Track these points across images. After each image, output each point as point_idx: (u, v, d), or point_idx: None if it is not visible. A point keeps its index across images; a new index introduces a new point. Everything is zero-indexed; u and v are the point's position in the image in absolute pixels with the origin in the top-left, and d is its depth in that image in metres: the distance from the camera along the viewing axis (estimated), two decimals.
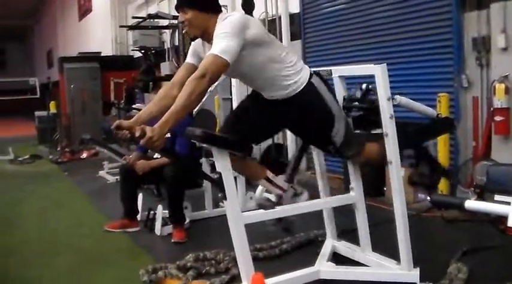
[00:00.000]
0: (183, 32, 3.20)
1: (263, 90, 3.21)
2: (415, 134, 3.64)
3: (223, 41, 2.79)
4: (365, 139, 3.43)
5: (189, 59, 3.20)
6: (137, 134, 2.61)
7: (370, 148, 3.43)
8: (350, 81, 3.57)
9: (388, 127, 3.14)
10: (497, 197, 1.91)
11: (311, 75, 3.17)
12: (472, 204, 1.94)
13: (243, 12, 5.41)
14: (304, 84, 3.11)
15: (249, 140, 3.18)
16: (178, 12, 3.14)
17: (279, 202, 3.37)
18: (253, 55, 2.98)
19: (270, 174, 3.41)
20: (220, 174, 2.87)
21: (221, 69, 2.80)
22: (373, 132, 3.40)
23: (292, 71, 3.09)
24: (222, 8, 3.16)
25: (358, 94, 3.40)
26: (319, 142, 3.40)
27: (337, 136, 3.18)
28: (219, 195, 3.06)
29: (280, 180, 3.43)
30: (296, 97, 3.12)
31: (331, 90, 3.28)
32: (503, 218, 1.74)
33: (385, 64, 3.15)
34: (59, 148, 11.48)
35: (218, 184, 2.90)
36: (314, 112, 3.15)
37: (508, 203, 1.73)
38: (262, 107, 3.26)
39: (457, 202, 2.05)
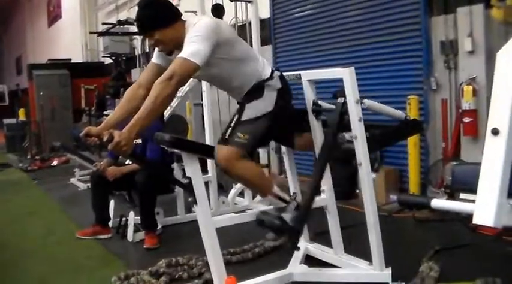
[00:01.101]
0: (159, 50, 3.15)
1: (237, 91, 3.22)
2: (384, 136, 3.67)
3: (193, 44, 2.80)
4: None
5: (155, 59, 3.19)
6: (105, 139, 2.60)
7: (250, 164, 3.21)
8: (321, 85, 3.60)
9: (357, 130, 3.16)
10: (462, 195, 1.94)
11: (272, 71, 3.20)
12: (439, 202, 1.96)
13: (212, 16, 5.42)
14: (261, 79, 3.15)
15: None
16: (145, 37, 3.13)
17: (281, 216, 3.10)
18: (227, 56, 3.00)
19: (276, 188, 3.33)
20: (190, 178, 2.86)
21: (190, 71, 2.80)
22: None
23: (261, 68, 3.15)
24: (192, 13, 3.16)
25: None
26: (238, 107, 3.23)
27: (249, 112, 3.08)
28: (189, 200, 3.04)
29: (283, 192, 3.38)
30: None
31: (284, 86, 3.24)
32: (472, 217, 1.77)
33: (353, 67, 3.17)
34: (28, 156, 11.33)
35: (188, 188, 2.89)
36: (252, 90, 3.16)
37: (473, 201, 1.76)
38: None
39: (424, 201, 2.07)
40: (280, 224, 3.00)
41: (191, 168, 2.86)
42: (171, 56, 3.03)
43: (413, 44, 5.58)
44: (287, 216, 3.04)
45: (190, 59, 2.76)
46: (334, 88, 3.34)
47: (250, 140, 3.01)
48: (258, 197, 5.54)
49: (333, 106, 3.30)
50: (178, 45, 2.92)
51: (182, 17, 3.09)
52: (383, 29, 5.92)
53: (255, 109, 3.08)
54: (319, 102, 3.44)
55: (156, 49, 3.19)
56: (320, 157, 3.28)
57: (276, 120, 3.15)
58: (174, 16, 3.05)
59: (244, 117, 3.06)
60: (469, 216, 1.82)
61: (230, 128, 3.03)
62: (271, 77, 3.17)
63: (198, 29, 2.86)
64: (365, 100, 3.32)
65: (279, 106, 3.16)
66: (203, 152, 3.02)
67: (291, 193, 3.52)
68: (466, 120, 4.92)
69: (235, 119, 3.06)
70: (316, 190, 3.29)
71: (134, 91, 3.08)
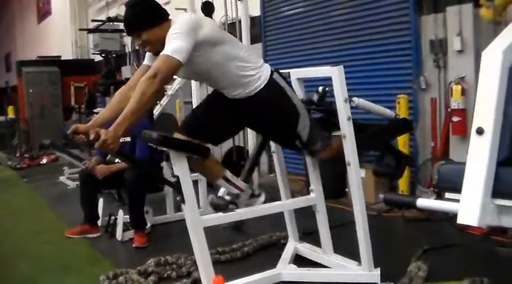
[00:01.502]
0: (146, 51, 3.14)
1: (225, 89, 3.19)
2: (373, 135, 3.67)
3: (174, 41, 2.78)
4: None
5: (146, 61, 3.17)
6: (91, 137, 2.59)
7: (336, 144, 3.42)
8: (312, 84, 3.59)
9: (346, 128, 3.16)
10: (447, 195, 1.95)
11: (272, 72, 3.18)
12: (424, 202, 1.97)
13: (203, 15, 5.41)
14: (266, 81, 3.11)
15: (209, 140, 3.18)
16: (132, 37, 3.12)
17: (234, 201, 3.33)
18: (209, 54, 2.97)
19: (228, 174, 3.38)
20: (178, 177, 2.85)
21: (173, 68, 2.78)
22: (333, 134, 3.42)
23: (252, 69, 3.09)
24: (182, 11, 3.15)
25: (315, 97, 3.42)
26: (286, 138, 3.33)
27: (303, 131, 3.17)
28: (177, 199, 3.03)
29: (239, 180, 3.41)
30: (259, 94, 3.11)
31: (292, 88, 3.30)
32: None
33: (342, 66, 3.17)
34: (18, 154, 11.27)
35: (176, 187, 2.88)
36: (279, 108, 3.15)
37: (458, 201, 1.77)
38: (223, 106, 3.24)
39: (409, 200, 2.07)
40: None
41: (179, 166, 2.85)
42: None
43: (403, 43, 5.59)
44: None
45: (173, 56, 2.74)
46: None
47: (321, 142, 3.35)
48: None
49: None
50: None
51: (169, 16, 3.07)
52: (373, 28, 5.93)
53: (305, 129, 3.20)
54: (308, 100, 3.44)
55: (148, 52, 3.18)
56: None
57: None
58: (161, 16, 3.03)
59: (305, 139, 3.23)
60: (456, 216, 1.83)
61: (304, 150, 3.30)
62: (271, 80, 3.13)
63: (179, 26, 2.85)
64: (354, 98, 3.33)
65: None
66: (191, 150, 3.00)
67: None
68: (455, 119, 4.94)
69: (300, 144, 3.24)
70: None
71: (124, 93, 3.07)
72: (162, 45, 2.89)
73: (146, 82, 2.71)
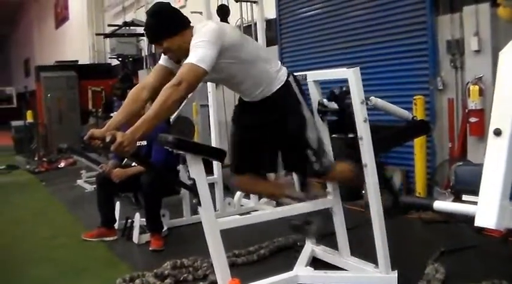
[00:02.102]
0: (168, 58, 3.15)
1: (247, 90, 3.22)
2: (390, 137, 3.65)
3: (199, 49, 2.78)
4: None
5: (162, 61, 3.16)
6: (107, 139, 2.59)
7: (343, 166, 3.41)
8: (329, 85, 3.57)
9: (363, 130, 3.14)
10: (464, 197, 1.93)
11: (288, 74, 3.21)
12: (441, 204, 1.95)
13: (219, 19, 5.41)
14: (283, 82, 3.15)
15: (269, 168, 3.37)
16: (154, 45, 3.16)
17: (308, 220, 3.46)
18: (235, 59, 3.00)
19: (289, 190, 3.42)
20: (194, 180, 2.85)
21: (198, 77, 2.78)
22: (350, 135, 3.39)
23: (273, 69, 3.15)
24: (198, 15, 3.16)
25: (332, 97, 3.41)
26: (296, 143, 3.27)
27: (312, 139, 3.18)
28: (193, 201, 3.03)
29: (298, 192, 3.44)
30: (275, 94, 3.15)
31: (303, 93, 3.29)
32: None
33: (358, 67, 3.16)
34: (36, 158, 11.36)
35: (192, 190, 2.88)
36: (289, 109, 3.16)
37: (476, 203, 1.75)
38: (250, 128, 3.32)
39: (426, 203, 2.06)
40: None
41: (195, 169, 2.85)
42: (179, 64, 3.02)
43: (419, 44, 5.56)
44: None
45: (198, 64, 2.74)
46: None
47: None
48: (264, 199, 5.54)
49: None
50: (187, 53, 2.88)
51: (190, 23, 3.08)
52: (389, 29, 5.90)
53: (313, 137, 3.21)
54: (325, 102, 3.43)
55: None
56: None
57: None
58: (182, 24, 3.03)
59: (315, 147, 3.21)
60: (473, 218, 1.81)
61: (315, 163, 3.21)
62: (287, 82, 3.17)
63: (204, 34, 2.85)
64: (372, 98, 3.31)
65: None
66: (207, 153, 3.00)
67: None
68: (473, 120, 4.89)
69: (311, 154, 3.20)
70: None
71: (138, 93, 3.06)
72: (183, 52, 2.90)
73: (170, 90, 2.70)
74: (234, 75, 3.10)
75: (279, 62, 3.31)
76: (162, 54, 3.16)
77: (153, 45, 3.19)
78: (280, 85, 3.15)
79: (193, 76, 2.75)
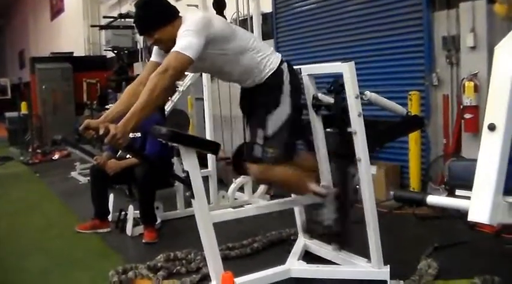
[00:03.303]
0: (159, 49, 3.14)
1: (238, 81, 3.25)
2: (385, 132, 3.65)
3: (185, 38, 2.80)
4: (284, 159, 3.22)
5: (154, 57, 3.18)
6: (101, 132, 2.59)
7: (285, 170, 3.22)
8: (324, 80, 3.57)
9: (357, 125, 3.14)
10: (458, 192, 1.92)
11: (281, 61, 3.19)
12: (434, 199, 1.94)
13: (214, 12, 5.40)
14: (274, 70, 3.13)
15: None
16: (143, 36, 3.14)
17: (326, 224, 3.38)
18: (221, 51, 2.99)
19: (313, 186, 3.35)
20: (187, 172, 2.84)
21: (184, 65, 2.79)
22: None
23: (263, 57, 3.12)
24: (194, 8, 3.14)
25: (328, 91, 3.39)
26: (254, 120, 3.19)
27: (271, 123, 3.08)
28: (187, 194, 3.03)
29: (319, 187, 3.39)
30: (266, 81, 3.14)
31: (295, 84, 3.22)
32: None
33: (353, 62, 3.15)
34: (30, 150, 11.32)
35: (186, 183, 2.87)
36: (268, 93, 3.13)
37: (468, 198, 1.75)
38: (244, 105, 3.35)
39: (419, 197, 2.05)
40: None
41: (188, 161, 2.84)
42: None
43: (415, 39, 5.55)
44: (328, 211, 3.31)
45: (183, 52, 2.76)
46: None
47: (281, 151, 3.08)
48: (258, 192, 5.55)
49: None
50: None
51: (179, 14, 3.07)
52: (385, 24, 5.89)
53: (276, 120, 3.09)
54: (320, 96, 3.42)
55: (155, 47, 3.17)
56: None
57: (295, 121, 3.20)
58: (171, 15, 3.03)
59: (269, 132, 3.07)
60: (467, 213, 1.81)
61: (259, 146, 3.07)
62: (279, 70, 3.14)
63: (190, 24, 2.86)
64: (366, 92, 3.30)
65: (295, 107, 3.19)
66: (201, 146, 3.00)
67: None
68: (467, 116, 4.90)
69: (261, 136, 3.07)
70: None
71: (134, 89, 3.07)
72: (174, 42, 2.90)
73: (157, 78, 2.72)
74: (221, 65, 3.09)
75: (272, 49, 3.28)
76: (154, 49, 3.16)
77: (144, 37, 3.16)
78: (270, 73, 3.12)
79: (179, 63, 2.76)
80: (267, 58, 3.13)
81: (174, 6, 3.09)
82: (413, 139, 5.21)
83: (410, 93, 5.20)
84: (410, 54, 5.63)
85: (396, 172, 5.66)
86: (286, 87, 3.15)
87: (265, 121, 3.09)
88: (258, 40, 3.22)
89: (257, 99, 3.18)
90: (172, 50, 2.80)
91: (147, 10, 3.02)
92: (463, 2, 4.99)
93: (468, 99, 4.87)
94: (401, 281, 3.21)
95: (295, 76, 3.25)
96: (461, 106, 4.99)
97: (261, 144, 3.08)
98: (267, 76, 3.12)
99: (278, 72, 3.13)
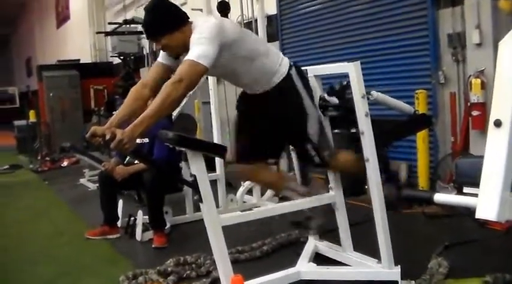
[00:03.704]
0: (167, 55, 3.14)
1: (247, 86, 3.23)
2: (392, 131, 3.64)
3: (199, 46, 2.76)
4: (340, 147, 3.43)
5: (161, 59, 3.12)
6: (107, 137, 2.58)
7: (345, 156, 3.42)
8: (332, 80, 3.56)
9: (364, 125, 3.13)
10: (465, 189, 1.91)
11: (290, 66, 3.18)
12: (441, 197, 1.94)
13: (219, 15, 5.40)
14: (284, 75, 3.13)
15: (267, 156, 3.33)
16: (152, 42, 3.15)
17: (310, 215, 3.49)
18: (235, 55, 2.97)
19: (291, 184, 3.41)
20: (195, 176, 2.84)
21: (198, 74, 2.76)
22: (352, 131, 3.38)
23: (273, 63, 3.12)
24: (199, 12, 3.14)
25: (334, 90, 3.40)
26: (297, 138, 3.30)
27: (313, 133, 3.15)
28: (195, 198, 3.03)
29: (299, 186, 3.45)
30: (275, 88, 3.13)
31: (307, 85, 3.25)
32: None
33: (359, 62, 3.14)
34: (39, 157, 11.37)
35: (194, 187, 2.87)
36: (289, 104, 3.14)
37: (476, 195, 1.73)
38: (252, 117, 3.32)
39: (426, 196, 2.04)
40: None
41: (196, 165, 2.83)
42: (179, 59, 3.00)
43: (421, 38, 5.54)
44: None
45: (198, 61, 2.72)
46: None
47: (331, 146, 3.30)
48: (267, 195, 5.54)
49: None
50: (186, 49, 2.85)
51: (189, 19, 3.04)
52: (390, 23, 5.89)
53: (313, 127, 3.17)
54: (326, 97, 3.41)
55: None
56: None
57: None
58: (180, 20, 3.00)
59: (315, 141, 3.18)
60: (474, 210, 1.79)
61: (316, 157, 3.20)
62: (288, 75, 3.14)
63: (204, 30, 2.82)
64: (373, 92, 3.30)
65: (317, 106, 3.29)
66: (207, 149, 2.99)
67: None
68: (475, 113, 4.88)
69: (310, 148, 3.19)
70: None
71: (139, 91, 3.03)
72: (182, 48, 2.88)
73: (171, 87, 2.68)
74: (233, 70, 3.08)
75: (280, 53, 3.26)
76: (161, 51, 3.15)
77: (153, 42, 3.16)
78: (280, 79, 3.11)
79: (193, 73, 2.73)
80: (277, 63, 3.13)
81: (184, 12, 3.06)
82: (421, 137, 5.20)
83: (417, 91, 5.19)
84: (416, 52, 5.62)
85: (405, 171, 5.63)
86: (303, 91, 3.17)
87: (307, 135, 3.16)
88: (267, 44, 3.21)
89: (277, 109, 3.17)
90: (186, 58, 2.76)
91: (155, 15, 2.99)
92: None
93: (475, 96, 4.85)
94: (413, 281, 3.19)
95: (305, 78, 3.26)
96: (469, 104, 4.97)
97: (314, 154, 3.19)
98: (277, 83, 3.11)
99: (288, 77, 3.13)
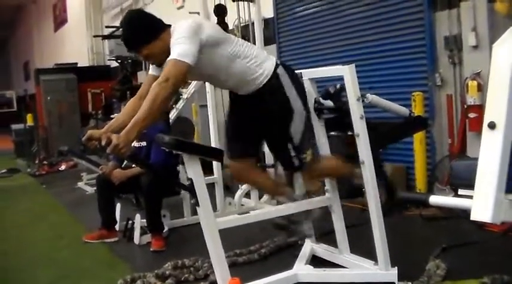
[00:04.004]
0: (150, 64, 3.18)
1: (234, 89, 3.24)
2: (388, 133, 3.65)
3: (180, 45, 2.80)
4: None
5: (152, 71, 3.19)
6: (103, 142, 2.60)
7: (330, 161, 3.46)
8: (328, 84, 3.57)
9: (359, 127, 3.14)
10: (460, 191, 1.92)
11: (277, 65, 3.16)
12: (437, 199, 1.94)
13: (216, 19, 5.42)
14: (269, 76, 3.11)
15: (255, 153, 3.35)
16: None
17: (295, 220, 3.50)
18: (214, 55, 2.99)
19: (288, 190, 3.45)
20: (191, 180, 2.84)
21: (183, 71, 2.79)
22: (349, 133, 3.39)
23: (256, 65, 3.10)
24: (195, 15, 3.15)
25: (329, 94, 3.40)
26: (279, 137, 3.24)
27: (295, 133, 3.13)
28: (192, 201, 3.04)
29: (294, 193, 3.48)
30: (261, 89, 3.12)
31: (297, 83, 3.23)
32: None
33: (353, 64, 3.15)
34: (36, 161, 11.36)
35: (191, 190, 2.88)
36: (274, 104, 3.13)
37: (471, 197, 1.74)
38: (240, 116, 3.32)
39: (422, 198, 2.05)
40: None
41: (192, 169, 2.85)
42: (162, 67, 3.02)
43: (417, 40, 5.54)
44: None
45: (181, 59, 2.76)
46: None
47: (312, 150, 3.28)
48: (265, 198, 5.54)
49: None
50: (169, 54, 2.87)
51: (167, 25, 3.07)
52: (386, 26, 5.89)
53: (297, 127, 3.14)
54: (321, 100, 3.42)
55: None
56: None
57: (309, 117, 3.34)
58: (156, 29, 3.03)
59: (297, 141, 3.15)
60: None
61: (295, 157, 3.18)
62: (275, 75, 3.11)
63: (182, 31, 2.87)
64: (368, 95, 3.30)
65: (306, 105, 3.27)
66: (204, 153, 3.00)
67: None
68: (472, 115, 4.88)
69: (291, 147, 3.16)
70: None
71: (136, 103, 3.07)
72: (165, 55, 2.90)
73: (159, 87, 2.72)
74: (214, 72, 3.09)
75: (266, 53, 3.24)
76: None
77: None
78: (266, 80, 3.10)
79: (178, 71, 2.77)
80: (261, 66, 3.10)
81: (160, 20, 3.09)
82: (418, 139, 5.21)
83: (413, 94, 5.20)
84: (413, 55, 5.62)
85: (402, 173, 5.64)
86: (291, 90, 3.14)
87: (288, 134, 3.13)
88: (252, 46, 3.20)
89: (265, 109, 3.15)
90: (169, 58, 2.80)
91: (132, 28, 3.04)
92: (463, 1, 4.99)
93: (472, 99, 4.85)
94: (410, 283, 3.19)
95: (294, 75, 3.24)
96: (465, 106, 4.98)
97: (294, 155, 3.16)
98: (263, 83, 3.10)
99: (274, 76, 3.11)
